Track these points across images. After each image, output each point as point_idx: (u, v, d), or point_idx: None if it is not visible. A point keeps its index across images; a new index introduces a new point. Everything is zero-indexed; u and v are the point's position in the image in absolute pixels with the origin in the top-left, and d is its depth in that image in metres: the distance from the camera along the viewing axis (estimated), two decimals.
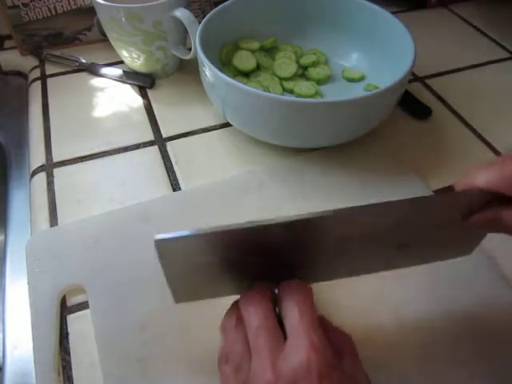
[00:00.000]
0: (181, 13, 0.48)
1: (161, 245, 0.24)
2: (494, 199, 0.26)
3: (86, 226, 0.39)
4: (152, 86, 0.55)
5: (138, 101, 0.54)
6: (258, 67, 0.53)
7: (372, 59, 0.53)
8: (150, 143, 0.49)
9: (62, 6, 0.58)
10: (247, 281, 0.27)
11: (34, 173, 0.46)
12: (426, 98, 0.55)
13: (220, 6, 0.50)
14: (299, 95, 0.51)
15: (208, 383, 0.30)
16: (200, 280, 0.27)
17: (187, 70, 0.58)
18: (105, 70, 0.57)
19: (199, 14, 0.64)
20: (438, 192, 0.44)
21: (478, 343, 0.33)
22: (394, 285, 0.36)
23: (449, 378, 0.31)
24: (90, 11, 0.58)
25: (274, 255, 0.26)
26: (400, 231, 0.28)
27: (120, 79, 0.56)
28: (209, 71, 0.42)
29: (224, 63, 0.53)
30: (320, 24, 0.56)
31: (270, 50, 0.55)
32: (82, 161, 0.46)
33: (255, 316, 0.25)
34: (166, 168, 0.46)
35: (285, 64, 0.53)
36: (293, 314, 0.24)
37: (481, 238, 0.31)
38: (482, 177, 0.26)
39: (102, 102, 0.54)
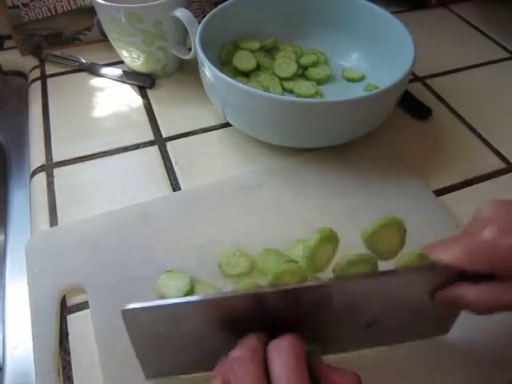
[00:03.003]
0: (181, 13, 0.48)
1: (129, 315, 0.23)
2: (457, 277, 0.26)
3: (85, 226, 0.39)
4: (152, 86, 0.55)
5: (137, 101, 0.54)
6: (258, 67, 0.53)
7: (372, 59, 0.53)
8: (150, 143, 0.49)
9: (62, 6, 0.58)
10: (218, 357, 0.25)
11: (34, 173, 0.46)
12: (426, 97, 0.55)
13: (220, 6, 0.50)
14: (299, 95, 0.51)
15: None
16: (171, 354, 0.26)
17: (187, 70, 0.58)
18: (105, 70, 0.57)
19: (199, 14, 0.64)
20: (437, 192, 0.44)
21: None
22: None
23: None
24: (90, 11, 0.58)
25: (244, 328, 0.25)
26: (366, 307, 0.27)
27: (120, 79, 0.56)
28: (209, 71, 0.42)
29: (224, 63, 0.53)
30: (320, 24, 0.56)
31: (270, 50, 0.55)
32: (82, 161, 0.46)
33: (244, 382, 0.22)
34: (166, 168, 0.46)
35: (285, 64, 0.53)
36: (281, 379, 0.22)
37: (455, 317, 0.30)
38: (446, 252, 0.26)
39: (102, 102, 0.54)
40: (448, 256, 0.26)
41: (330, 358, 0.28)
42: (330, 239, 0.31)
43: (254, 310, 0.24)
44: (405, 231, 0.31)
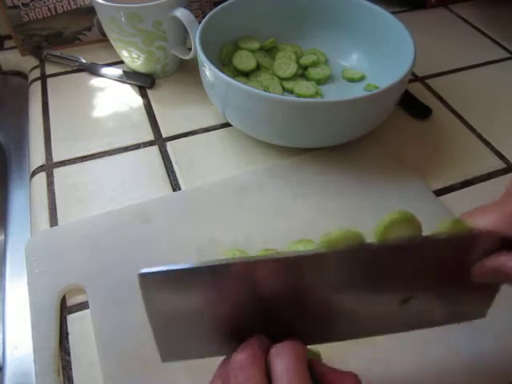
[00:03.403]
0: (181, 13, 0.48)
1: (147, 281, 0.22)
2: (498, 245, 0.24)
3: (85, 226, 0.39)
4: (152, 86, 0.55)
5: (137, 101, 0.54)
6: (258, 67, 0.53)
7: (372, 59, 0.53)
8: (150, 143, 0.49)
9: (62, 6, 0.58)
10: (238, 339, 0.24)
11: (34, 173, 0.46)
12: (426, 97, 0.55)
13: (220, 6, 0.50)
14: (299, 95, 0.51)
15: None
16: (189, 334, 0.25)
17: (187, 70, 0.58)
18: (105, 70, 0.57)
19: (199, 14, 0.64)
20: (437, 192, 0.44)
21: None
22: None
23: None
24: (90, 11, 0.58)
25: (269, 307, 0.24)
26: (403, 278, 0.25)
27: (120, 79, 0.56)
28: (209, 71, 0.42)
29: (224, 63, 0.53)
30: (320, 24, 0.56)
31: (270, 50, 0.55)
32: (82, 161, 0.46)
33: None
34: (166, 168, 0.46)
35: (285, 64, 0.53)
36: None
37: (492, 297, 0.28)
38: (482, 219, 0.24)
39: (102, 102, 0.54)
40: (487, 222, 0.24)
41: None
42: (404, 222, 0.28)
43: (283, 276, 0.23)
44: (420, 227, 0.28)
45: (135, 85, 0.56)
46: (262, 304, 0.24)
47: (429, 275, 0.26)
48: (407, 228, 0.27)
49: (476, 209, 0.26)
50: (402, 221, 0.27)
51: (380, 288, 0.25)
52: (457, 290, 0.27)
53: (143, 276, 0.21)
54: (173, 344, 0.25)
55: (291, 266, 0.23)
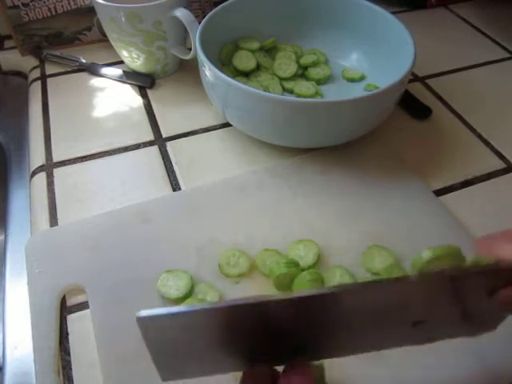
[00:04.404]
0: (181, 13, 0.48)
1: (144, 322, 0.21)
2: None
3: (85, 226, 0.39)
4: (152, 86, 0.55)
5: (137, 101, 0.54)
6: (258, 67, 0.53)
7: (372, 59, 0.53)
8: (150, 143, 0.49)
9: (62, 6, 0.58)
10: (242, 358, 0.24)
11: (34, 173, 0.46)
12: (426, 97, 0.55)
13: (220, 6, 0.50)
14: (299, 95, 0.51)
15: (208, 383, 0.30)
16: (189, 358, 0.24)
17: (187, 70, 0.58)
18: (105, 70, 0.57)
19: (199, 14, 0.64)
20: (437, 192, 0.44)
21: None
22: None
23: None
24: (90, 11, 0.58)
25: (274, 333, 0.23)
26: (415, 308, 0.24)
27: (120, 79, 0.56)
28: (209, 71, 0.42)
29: (224, 63, 0.53)
30: (320, 24, 0.56)
31: (270, 50, 0.55)
32: (82, 161, 0.46)
33: None
34: (166, 168, 0.46)
35: (285, 64, 0.53)
36: None
37: (508, 313, 0.27)
38: (508, 248, 0.22)
39: (102, 102, 0.54)
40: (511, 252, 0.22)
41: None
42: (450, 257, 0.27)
43: (285, 317, 0.23)
44: (464, 260, 0.27)
45: (135, 85, 0.56)
46: (264, 336, 0.24)
47: (445, 303, 0.25)
48: (450, 261, 0.27)
49: (498, 235, 0.24)
50: (445, 256, 0.26)
51: (392, 316, 0.25)
52: (472, 312, 0.26)
53: (141, 319, 0.21)
54: (172, 367, 0.25)
55: (299, 306, 0.22)
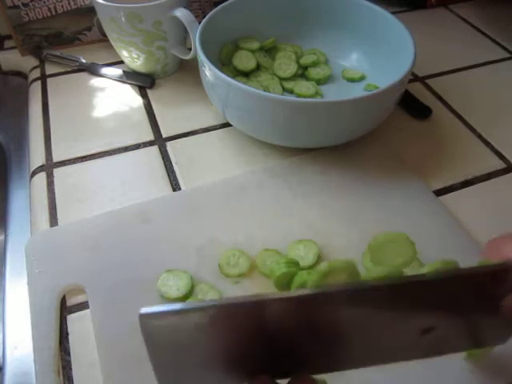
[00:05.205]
0: (181, 13, 0.48)
1: (147, 321, 0.21)
2: None
3: (85, 226, 0.39)
4: (152, 86, 0.55)
5: (137, 101, 0.54)
6: (258, 67, 0.53)
7: (372, 59, 0.53)
8: (150, 143, 0.49)
9: (62, 6, 0.58)
10: (244, 372, 0.24)
11: (34, 173, 0.46)
12: (426, 97, 0.55)
13: (220, 6, 0.50)
14: (299, 95, 0.51)
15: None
16: (190, 368, 0.24)
17: (187, 70, 0.58)
18: (105, 70, 0.57)
19: (199, 14, 0.64)
20: (437, 192, 0.44)
21: None
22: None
23: None
24: (90, 11, 0.58)
25: (277, 340, 0.23)
26: (424, 313, 0.24)
27: (120, 79, 0.56)
28: (209, 71, 0.42)
29: (224, 63, 0.53)
30: (320, 24, 0.56)
31: (270, 50, 0.55)
32: (82, 161, 0.46)
33: None
34: (166, 168, 0.46)
35: (285, 64, 0.53)
36: None
37: None
38: None
39: (102, 102, 0.54)
40: None
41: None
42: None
43: (289, 319, 0.22)
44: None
45: (135, 85, 0.56)
46: (267, 339, 0.23)
47: (455, 307, 0.24)
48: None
49: (506, 236, 0.24)
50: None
51: (400, 320, 0.24)
52: (482, 320, 0.25)
53: (144, 315, 0.21)
54: (174, 377, 0.24)
55: (298, 305, 0.22)
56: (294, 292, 0.22)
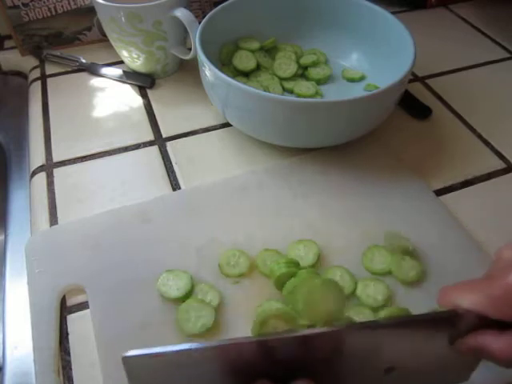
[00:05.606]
0: (181, 13, 0.48)
1: (131, 363, 0.22)
2: (482, 323, 0.24)
3: (85, 226, 0.39)
4: (152, 86, 0.55)
5: (137, 101, 0.54)
6: (258, 67, 0.53)
7: (372, 59, 0.53)
8: (150, 143, 0.49)
9: (62, 6, 0.58)
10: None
11: (34, 173, 0.46)
12: (426, 97, 0.55)
13: (220, 6, 0.50)
14: (299, 95, 0.51)
15: None
16: None
17: (187, 70, 0.58)
18: (105, 70, 0.57)
19: (199, 14, 0.64)
20: (437, 192, 0.44)
21: None
22: None
23: None
24: (90, 11, 0.58)
25: (252, 375, 0.24)
26: (385, 353, 0.25)
27: (120, 79, 0.56)
28: (209, 71, 0.42)
29: (224, 63, 0.53)
30: (320, 24, 0.55)
31: (270, 50, 0.55)
32: (82, 161, 0.46)
33: None
34: (166, 168, 0.46)
35: (285, 64, 0.53)
36: None
37: (476, 364, 0.28)
38: (467, 297, 0.24)
39: (102, 102, 0.54)
40: (473, 302, 0.24)
41: None
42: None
43: (264, 357, 0.24)
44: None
45: (135, 85, 0.56)
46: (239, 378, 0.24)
47: (410, 349, 0.26)
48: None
49: (464, 284, 0.25)
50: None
51: (366, 360, 0.26)
52: (439, 361, 0.27)
53: (127, 358, 0.21)
54: None
55: (276, 349, 0.23)
56: (261, 337, 0.23)
